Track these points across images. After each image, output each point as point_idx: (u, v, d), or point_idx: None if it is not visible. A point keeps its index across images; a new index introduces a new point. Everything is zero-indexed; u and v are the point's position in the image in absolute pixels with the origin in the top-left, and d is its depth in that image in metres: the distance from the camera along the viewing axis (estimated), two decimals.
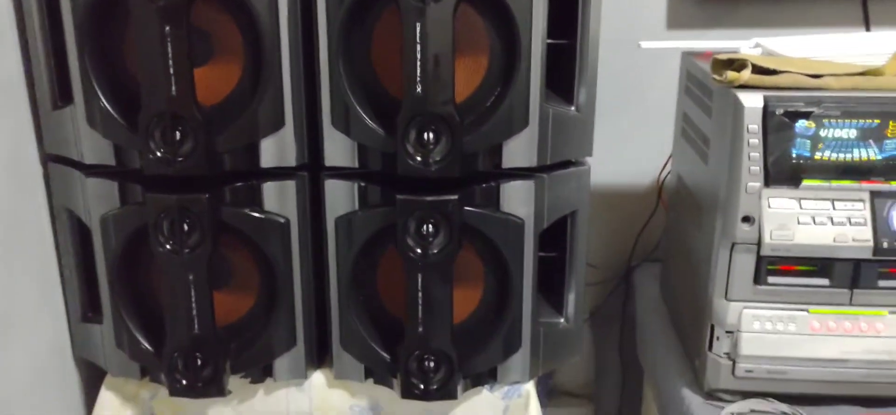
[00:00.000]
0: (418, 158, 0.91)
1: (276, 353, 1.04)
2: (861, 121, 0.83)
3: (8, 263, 0.97)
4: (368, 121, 0.93)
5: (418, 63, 0.87)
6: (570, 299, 1.08)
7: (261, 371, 1.06)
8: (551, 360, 1.09)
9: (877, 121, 0.83)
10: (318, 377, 1.08)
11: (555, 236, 1.06)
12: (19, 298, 0.99)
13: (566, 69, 0.99)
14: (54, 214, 1.05)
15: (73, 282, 1.06)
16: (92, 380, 1.12)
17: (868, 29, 1.36)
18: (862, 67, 0.88)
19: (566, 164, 1.02)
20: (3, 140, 0.97)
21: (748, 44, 1.05)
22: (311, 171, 1.00)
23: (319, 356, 1.09)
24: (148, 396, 1.08)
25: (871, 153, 0.84)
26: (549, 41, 0.96)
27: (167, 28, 0.86)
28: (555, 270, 1.09)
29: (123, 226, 0.97)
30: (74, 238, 1.04)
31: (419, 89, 0.88)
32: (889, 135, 0.83)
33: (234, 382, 1.04)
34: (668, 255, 1.24)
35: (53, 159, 1.02)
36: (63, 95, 0.97)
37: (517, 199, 0.98)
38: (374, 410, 1.09)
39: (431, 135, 0.91)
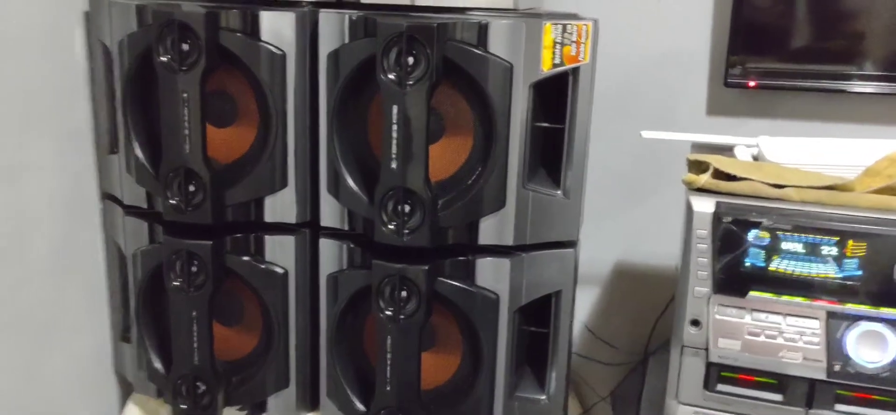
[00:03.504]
0: (391, 228, 0.98)
1: (268, 391, 1.14)
2: (816, 236, 0.81)
3: (63, 278, 1.14)
4: (355, 188, 1.02)
5: (394, 141, 0.95)
6: (553, 377, 1.10)
7: (256, 406, 1.16)
8: None
9: (835, 238, 0.81)
10: None
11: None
12: (69, 310, 1.15)
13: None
14: (106, 245, 1.22)
15: (116, 304, 1.22)
16: (126, 393, 1.27)
17: None
18: (831, 180, 0.85)
19: (552, 244, 1.05)
20: (71, 176, 1.14)
21: (751, 141, 1.04)
22: (312, 229, 1.10)
23: (314, 400, 1.17)
24: (166, 414, 1.21)
25: (828, 271, 0.81)
26: (542, 125, 1.01)
27: (185, 94, 0.99)
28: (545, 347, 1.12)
29: (148, 261, 1.11)
30: (118, 267, 1.20)
31: (394, 165, 0.96)
32: (848, 254, 0.81)
33: (232, 412, 1.15)
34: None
35: (107, 197, 1.19)
36: (114, 143, 1.13)
37: (492, 274, 1.02)
38: None
39: (407, 207, 0.98)
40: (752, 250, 0.83)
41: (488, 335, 1.04)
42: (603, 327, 1.48)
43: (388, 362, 1.03)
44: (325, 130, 1.02)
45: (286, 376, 1.13)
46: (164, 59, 0.98)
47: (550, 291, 1.06)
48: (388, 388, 1.04)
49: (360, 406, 1.09)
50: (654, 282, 1.40)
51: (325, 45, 0.99)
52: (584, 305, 1.48)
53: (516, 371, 1.11)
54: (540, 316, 1.09)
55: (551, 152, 1.03)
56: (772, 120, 1.32)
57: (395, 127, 0.94)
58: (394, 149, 0.95)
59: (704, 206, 0.84)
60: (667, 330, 1.37)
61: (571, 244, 1.06)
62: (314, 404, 1.17)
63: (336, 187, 1.03)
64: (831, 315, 0.82)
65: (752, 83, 1.28)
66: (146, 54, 1.01)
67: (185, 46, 0.97)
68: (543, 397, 1.10)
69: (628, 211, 1.41)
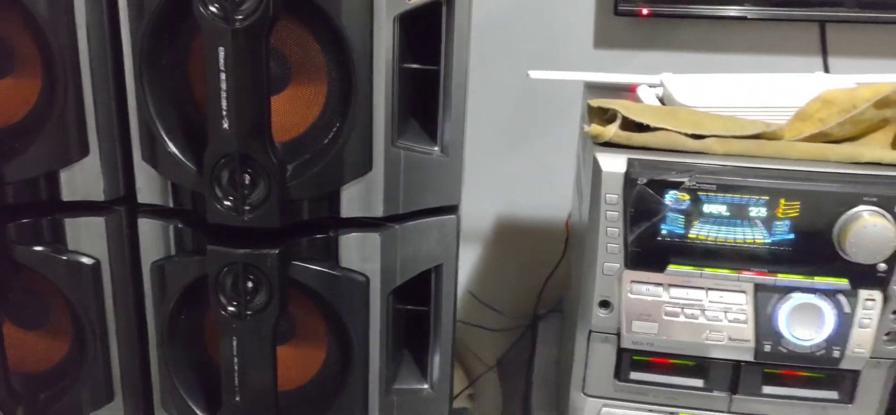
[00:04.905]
0: (228, 204, 0.77)
1: (87, 407, 0.91)
2: (743, 196, 0.68)
3: None
4: (177, 154, 0.79)
5: (223, 94, 0.73)
6: (436, 363, 0.94)
7: None
8: None
9: (764, 198, 0.68)
10: None
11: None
12: None
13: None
14: None
15: None
16: None
17: (826, 57, 1.20)
18: (759, 127, 0.72)
19: (428, 212, 0.88)
20: None
21: (653, 79, 0.90)
22: (129, 207, 0.86)
23: (150, 413, 0.96)
24: None
25: (756, 236, 0.69)
26: (413, 66, 0.82)
27: None
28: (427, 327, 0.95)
29: None
30: None
31: (226, 125, 0.74)
32: (780, 215, 0.68)
33: None
34: (565, 313, 1.10)
35: None
36: None
37: (359, 253, 0.84)
38: None
39: (247, 177, 0.77)
40: (671, 216, 0.69)
41: (358, 325, 0.86)
42: (487, 290, 1.34)
43: (236, 368, 0.83)
44: (130, 82, 0.78)
45: (109, 387, 0.91)
46: None
47: (430, 265, 0.89)
48: (238, 398, 0.84)
49: None
50: (542, 237, 1.27)
51: None
52: (465, 267, 1.32)
53: (394, 360, 0.94)
54: (419, 291, 0.93)
55: (424, 102, 0.84)
56: (666, 52, 1.19)
57: (223, 76, 0.72)
58: (223, 104, 0.73)
59: (614, 164, 0.69)
60: (557, 290, 1.25)
61: (453, 210, 0.89)
62: None
63: (153, 154, 0.81)
64: (760, 288, 0.70)
65: (644, 11, 1.15)
66: None
67: None
68: (426, 386, 0.95)
69: (510, 160, 1.26)
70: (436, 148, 0.85)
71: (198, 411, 0.89)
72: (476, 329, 1.35)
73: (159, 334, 0.88)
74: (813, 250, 0.68)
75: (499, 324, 1.32)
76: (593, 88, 0.99)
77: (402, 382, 0.95)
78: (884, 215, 0.65)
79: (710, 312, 0.71)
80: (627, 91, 0.95)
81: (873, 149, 0.71)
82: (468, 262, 1.33)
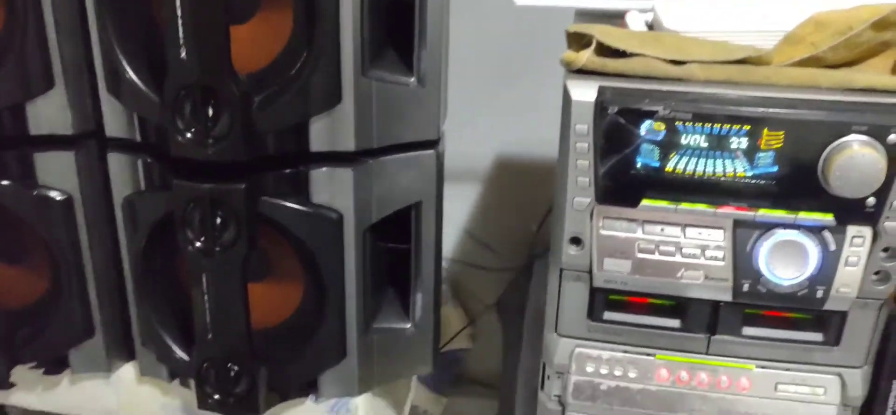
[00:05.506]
0: (191, 136, 0.75)
1: (69, 343, 0.91)
2: (723, 126, 0.63)
3: None
4: (139, 85, 0.77)
5: (179, 20, 0.70)
6: (418, 302, 0.92)
7: (55, 362, 0.93)
8: (391, 371, 0.94)
9: (746, 128, 0.63)
10: (127, 371, 0.96)
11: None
12: None
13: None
14: None
15: None
16: None
17: None
18: (744, 52, 0.67)
19: (406, 146, 0.84)
20: None
21: (645, 4, 0.84)
22: (100, 141, 0.85)
23: (131, 349, 0.96)
24: None
25: (736, 170, 0.64)
26: None
27: None
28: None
29: None
30: None
31: (184, 54, 0.71)
32: (762, 146, 0.63)
33: (26, 372, 0.93)
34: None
35: None
36: None
37: (330, 189, 0.81)
38: (187, 411, 0.96)
39: (210, 109, 0.74)
40: (645, 147, 0.65)
41: (332, 263, 0.84)
42: (484, 229, 1.31)
43: (207, 305, 0.82)
44: (90, 6, 0.76)
45: (89, 324, 0.91)
46: None
47: (408, 202, 0.86)
48: (210, 335, 0.83)
49: (183, 355, 0.88)
50: (538, 176, 1.22)
51: None
52: (462, 207, 1.29)
53: (376, 298, 0.93)
54: (403, 230, 0.90)
55: (400, 29, 0.80)
56: None
57: (178, 2, 0.69)
58: (180, 31, 0.70)
59: (584, 92, 0.65)
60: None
61: (431, 144, 0.85)
62: (132, 354, 0.96)
63: (116, 85, 0.78)
64: (740, 224, 0.66)
65: None
66: None
67: None
68: (408, 325, 0.93)
69: (505, 96, 1.21)
70: (412, 79, 0.81)
71: (175, 348, 0.88)
72: (475, 270, 1.32)
73: (134, 271, 0.87)
74: (797, 184, 0.63)
75: (497, 264, 1.29)
76: (585, 16, 0.93)
77: (383, 321, 0.93)
78: (873, 145, 0.60)
79: (687, 249, 0.67)
80: (620, 18, 0.89)
81: (869, 75, 0.65)
82: (466, 201, 1.30)
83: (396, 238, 0.91)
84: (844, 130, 0.61)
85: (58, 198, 0.84)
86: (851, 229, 0.64)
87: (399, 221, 0.89)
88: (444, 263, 1.34)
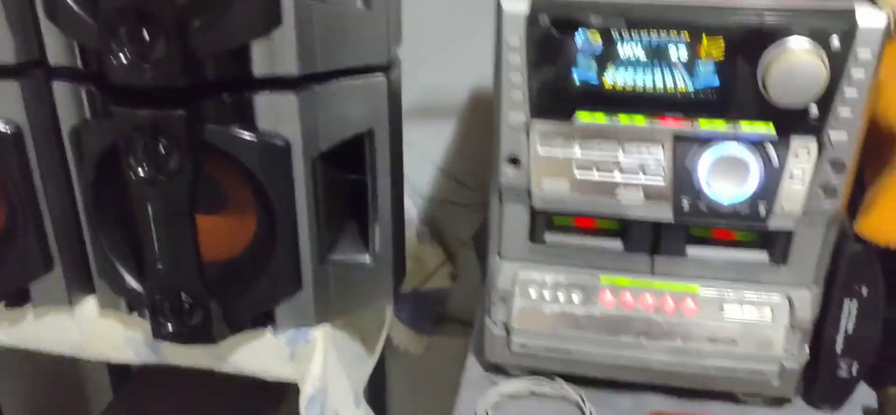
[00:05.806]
0: (125, 61, 0.73)
1: (28, 277, 0.91)
2: (661, 36, 0.60)
3: None
4: (74, 7, 0.75)
5: None
6: (376, 233, 0.91)
7: (15, 295, 0.94)
8: (351, 303, 0.94)
9: (685, 36, 0.60)
10: (90, 305, 0.96)
11: None
12: None
13: None
14: None
15: None
16: None
17: None
18: None
19: (355, 71, 0.82)
20: None
21: None
22: (46, 70, 0.84)
23: (91, 282, 0.96)
24: None
25: (677, 83, 0.62)
26: None
27: None
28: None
29: None
30: None
31: None
32: (702, 55, 0.60)
33: None
34: None
35: None
36: None
37: (274, 115, 0.80)
38: (150, 343, 0.96)
39: (145, 32, 0.73)
40: (581, 60, 0.62)
41: (281, 191, 0.83)
42: (461, 167, 1.29)
43: (154, 235, 0.81)
44: None
45: (47, 257, 0.91)
46: None
47: (359, 130, 0.85)
48: (159, 266, 0.83)
49: (137, 287, 0.88)
50: None
51: None
52: (438, 144, 1.27)
53: (334, 230, 0.91)
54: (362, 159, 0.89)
55: None
56: None
57: None
58: None
59: (516, 5, 0.62)
60: None
61: (382, 68, 0.83)
62: (92, 288, 0.96)
63: (54, 9, 0.77)
64: (679, 139, 0.63)
65: None
66: None
67: None
68: (366, 257, 0.91)
69: (481, 31, 1.18)
70: (357, 0, 0.79)
71: (129, 280, 0.88)
72: (453, 206, 1.31)
73: (85, 202, 0.86)
74: (738, 95, 0.60)
75: (474, 200, 1.27)
76: None
77: (341, 253, 0.92)
78: (814, 51, 0.57)
79: (625, 166, 0.65)
80: None
81: None
82: (441, 138, 1.28)
83: (356, 170, 0.90)
84: (784, 33, 0.58)
85: (6, 130, 0.83)
86: (795, 142, 0.62)
87: (360, 151, 0.87)
88: (421, 202, 1.33)
